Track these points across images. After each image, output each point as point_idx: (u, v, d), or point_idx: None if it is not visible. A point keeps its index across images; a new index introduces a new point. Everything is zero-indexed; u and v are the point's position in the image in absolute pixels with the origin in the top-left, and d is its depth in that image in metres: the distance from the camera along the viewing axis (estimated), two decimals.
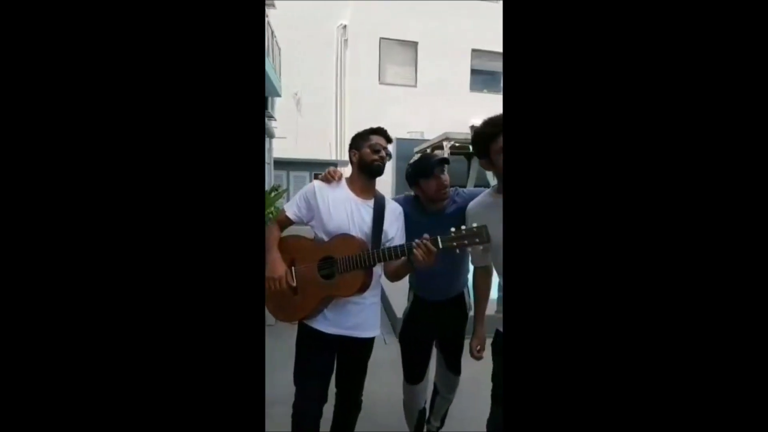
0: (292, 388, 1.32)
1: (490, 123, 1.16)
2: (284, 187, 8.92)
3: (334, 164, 10.20)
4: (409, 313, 1.61)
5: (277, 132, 8.95)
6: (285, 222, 1.34)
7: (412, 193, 1.52)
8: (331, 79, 10.32)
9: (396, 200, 1.46)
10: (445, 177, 1.41)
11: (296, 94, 9.86)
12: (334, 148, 10.24)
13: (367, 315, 1.32)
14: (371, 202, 1.30)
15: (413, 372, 1.59)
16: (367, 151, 1.29)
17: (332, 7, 9.92)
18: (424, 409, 1.68)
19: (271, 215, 6.78)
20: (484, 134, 1.16)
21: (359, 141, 1.33)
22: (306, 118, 10.02)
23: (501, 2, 10.31)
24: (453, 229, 1.12)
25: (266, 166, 8.11)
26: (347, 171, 1.41)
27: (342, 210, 1.27)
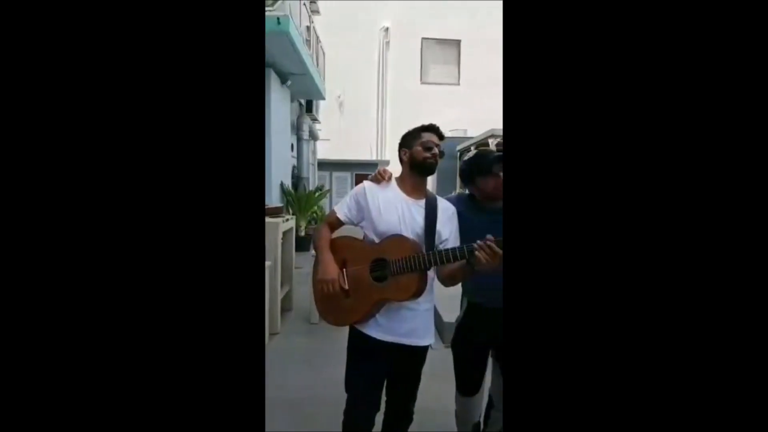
0: (336, 388, 1.29)
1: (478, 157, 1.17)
2: (327, 187, 9.16)
3: (375, 164, 10.29)
4: (463, 319, 1.50)
5: (320, 134, 9.20)
6: (335, 223, 1.31)
7: (466, 191, 1.44)
8: (373, 80, 10.43)
9: (448, 199, 1.39)
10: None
11: (339, 97, 10.07)
12: (375, 149, 10.32)
13: (421, 321, 1.25)
14: (422, 202, 1.25)
15: (468, 383, 1.48)
16: (419, 149, 1.24)
17: (375, 10, 10.03)
18: (479, 422, 1.58)
19: (315, 215, 7.00)
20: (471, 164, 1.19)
21: (410, 139, 1.28)
22: (348, 120, 10.20)
23: None
24: (465, 245, 1.05)
25: (310, 166, 8.34)
26: (396, 171, 1.36)
27: (393, 210, 1.23)
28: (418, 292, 1.16)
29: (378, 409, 1.29)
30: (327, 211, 8.66)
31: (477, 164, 1.37)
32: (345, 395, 1.27)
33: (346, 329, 1.31)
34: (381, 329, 1.22)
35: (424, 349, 1.28)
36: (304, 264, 3.51)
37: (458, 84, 10.46)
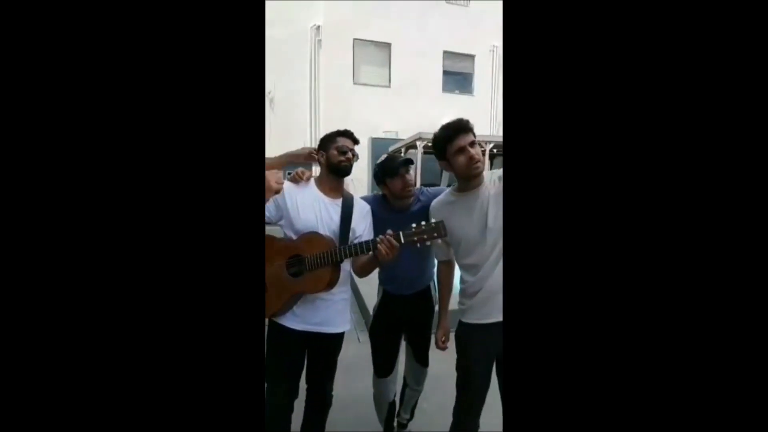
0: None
1: (446, 127, 1.27)
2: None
3: (309, 163, 10.10)
4: (378, 307, 1.69)
5: None
6: None
7: (381, 192, 1.63)
8: (305, 79, 10.31)
9: (365, 199, 1.53)
10: (410, 176, 1.51)
11: (269, 93, 9.80)
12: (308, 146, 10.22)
13: (335, 310, 1.36)
14: (339, 201, 1.37)
15: (382, 365, 1.66)
16: (334, 153, 1.36)
17: (306, 8, 9.92)
18: (394, 401, 1.74)
19: None
20: (441, 138, 1.27)
21: (327, 143, 1.39)
22: (280, 117, 9.97)
23: (470, 5, 10.52)
24: (413, 225, 1.19)
25: None
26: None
27: (310, 210, 1.33)
28: (331, 284, 1.28)
29: (296, 396, 1.38)
30: None
31: (386, 167, 1.52)
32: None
33: None
34: (297, 319, 1.31)
35: (339, 336, 1.40)
36: None
37: (389, 86, 10.81)
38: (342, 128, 1.43)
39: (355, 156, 1.39)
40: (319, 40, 10.35)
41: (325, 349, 1.39)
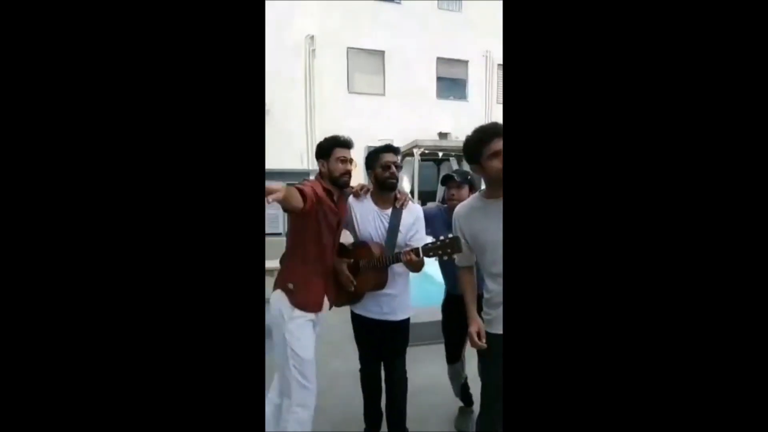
0: None
1: (481, 130, 1.25)
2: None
3: (306, 173, 10.19)
4: (444, 305, 1.94)
5: None
6: None
7: (444, 204, 1.81)
8: (300, 88, 10.37)
9: (427, 208, 1.76)
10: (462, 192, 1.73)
11: (266, 104, 9.84)
12: (305, 158, 10.26)
13: (396, 302, 1.59)
14: (389, 211, 1.56)
15: (449, 354, 1.91)
16: (379, 171, 1.53)
17: (299, 18, 10.02)
18: (466, 381, 1.99)
19: None
20: (475, 141, 1.24)
21: (372, 161, 1.56)
22: (276, 128, 10.00)
23: (463, 12, 10.64)
24: (431, 240, 1.32)
25: None
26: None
27: (367, 221, 1.57)
28: (378, 285, 1.53)
29: (378, 361, 1.69)
30: None
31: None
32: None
33: None
34: (367, 310, 1.61)
35: (401, 322, 1.63)
36: None
37: (383, 94, 10.87)
38: (386, 142, 1.62)
39: (398, 167, 1.56)
40: (313, 50, 10.42)
41: (391, 333, 1.62)
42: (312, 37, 10.36)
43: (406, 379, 1.66)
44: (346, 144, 1.50)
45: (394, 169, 1.51)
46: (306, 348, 1.44)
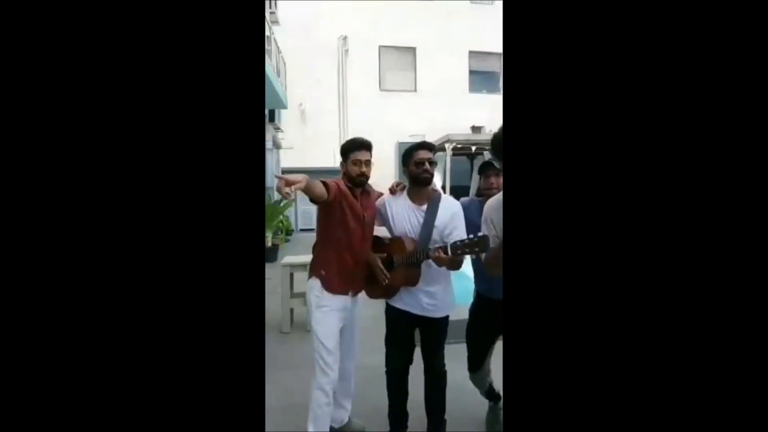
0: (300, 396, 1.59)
1: None
2: (292, 196, 9.20)
3: (337, 172, 10.34)
4: (472, 307, 1.80)
5: (284, 143, 9.24)
6: None
7: (478, 199, 1.77)
8: (333, 88, 10.59)
9: (462, 202, 1.71)
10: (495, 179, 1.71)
11: (301, 105, 10.15)
12: (337, 156, 10.47)
13: (437, 299, 1.57)
14: (425, 207, 1.57)
15: (472, 361, 1.78)
16: (413, 167, 1.56)
17: (332, 19, 10.22)
18: (491, 385, 1.88)
19: (280, 224, 6.94)
20: (502, 138, 1.24)
21: (406, 158, 1.60)
22: (311, 127, 10.30)
23: (495, 3, 10.30)
24: (459, 239, 1.34)
25: (275, 177, 8.33)
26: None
27: (402, 217, 1.59)
28: (410, 280, 1.52)
29: (411, 363, 1.64)
30: (292, 220, 8.65)
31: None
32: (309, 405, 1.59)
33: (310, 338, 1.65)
34: (405, 304, 1.58)
35: (441, 320, 1.60)
36: (272, 275, 3.47)
37: (415, 91, 10.86)
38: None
39: (433, 163, 1.57)
40: (346, 50, 10.60)
41: (431, 329, 1.60)
42: (345, 38, 10.53)
43: (445, 374, 1.65)
44: (363, 146, 1.58)
45: (428, 165, 1.54)
46: (329, 337, 1.52)
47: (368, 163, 1.58)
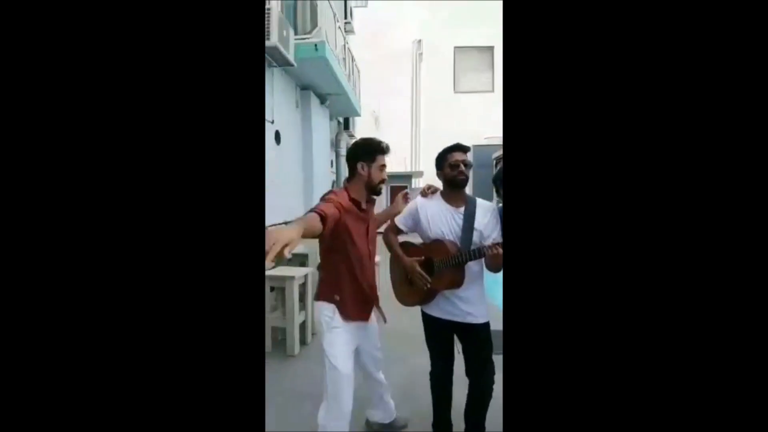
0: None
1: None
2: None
3: (409, 176, 10.43)
4: None
5: None
6: (396, 231, 1.64)
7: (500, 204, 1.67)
8: (407, 93, 10.63)
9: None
10: None
11: (374, 112, 10.36)
12: (409, 161, 10.44)
13: (477, 304, 1.51)
14: (462, 209, 1.51)
15: None
16: (448, 171, 1.51)
17: (408, 25, 10.28)
18: None
19: None
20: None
21: (440, 161, 1.54)
22: (384, 133, 10.44)
23: None
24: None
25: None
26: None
27: (439, 219, 1.52)
28: (455, 283, 1.46)
29: (449, 363, 1.60)
30: None
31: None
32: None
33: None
34: (441, 311, 1.54)
35: (482, 325, 1.52)
36: None
37: (492, 91, 10.39)
38: (452, 141, 1.53)
39: (468, 165, 1.51)
40: (420, 54, 10.56)
41: (471, 336, 1.53)
42: (419, 41, 10.52)
43: (492, 383, 1.53)
44: (387, 150, 1.50)
45: (462, 167, 1.48)
46: (344, 359, 1.42)
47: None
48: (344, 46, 6.44)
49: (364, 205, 1.46)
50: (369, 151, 1.46)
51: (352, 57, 7.40)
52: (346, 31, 7.38)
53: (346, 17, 8.02)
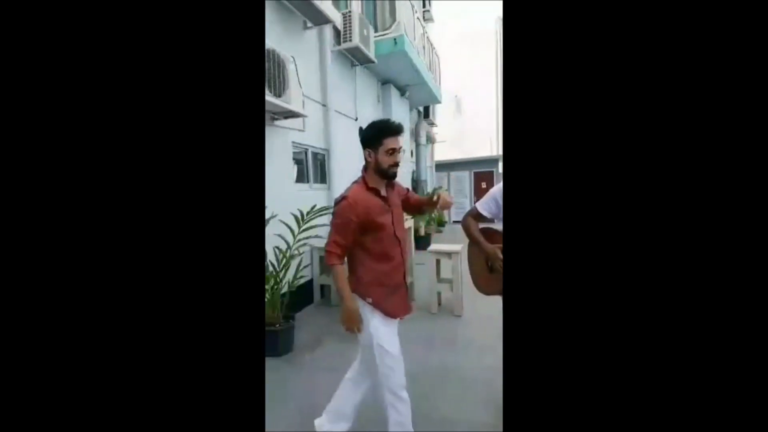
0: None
1: None
2: (445, 187, 9.41)
3: (495, 160, 10.00)
4: None
5: (437, 137, 9.49)
6: (477, 217, 1.54)
7: None
8: (491, 74, 10.20)
9: None
10: None
11: (456, 96, 10.18)
12: (495, 143, 10.03)
13: None
14: None
15: None
16: None
17: (487, 4, 9.82)
18: None
19: (432, 216, 7.19)
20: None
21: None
22: (466, 117, 10.21)
23: None
24: None
25: (428, 169, 8.66)
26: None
27: None
28: None
29: None
30: (445, 212, 8.81)
31: None
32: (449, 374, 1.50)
33: (463, 320, 1.57)
34: None
35: None
36: (425, 260, 3.75)
37: None
38: None
39: None
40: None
41: None
42: (501, 18, 9.97)
43: None
44: (397, 131, 1.29)
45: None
46: (390, 342, 1.34)
47: (400, 150, 1.31)
48: (423, 34, 6.47)
49: (383, 192, 1.35)
50: (374, 135, 1.30)
51: (432, 45, 7.39)
52: (425, 19, 7.37)
53: (424, 5, 8.01)
